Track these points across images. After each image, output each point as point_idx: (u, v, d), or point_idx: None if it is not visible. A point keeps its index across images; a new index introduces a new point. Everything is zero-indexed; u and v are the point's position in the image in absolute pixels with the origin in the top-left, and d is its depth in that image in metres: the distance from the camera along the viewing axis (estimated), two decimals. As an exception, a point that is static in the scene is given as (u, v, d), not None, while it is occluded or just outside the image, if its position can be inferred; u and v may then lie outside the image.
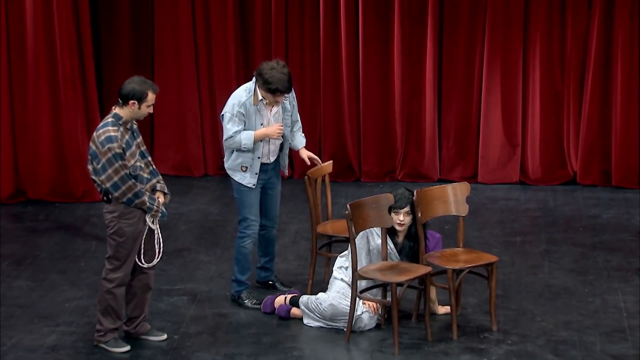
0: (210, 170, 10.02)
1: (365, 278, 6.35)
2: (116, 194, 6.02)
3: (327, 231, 7.05)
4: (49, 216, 8.91)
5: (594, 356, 6.16)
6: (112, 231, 6.10)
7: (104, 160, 5.97)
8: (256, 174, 6.73)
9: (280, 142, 6.85)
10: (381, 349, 6.27)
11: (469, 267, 6.43)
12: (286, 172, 7.06)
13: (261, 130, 6.68)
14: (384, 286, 6.43)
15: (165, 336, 6.42)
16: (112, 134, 5.97)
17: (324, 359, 6.18)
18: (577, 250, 7.96)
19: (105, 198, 6.10)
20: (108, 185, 6.00)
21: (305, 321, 6.55)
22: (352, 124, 9.81)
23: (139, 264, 6.20)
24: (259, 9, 9.70)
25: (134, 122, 6.14)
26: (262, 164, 6.78)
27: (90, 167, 6.08)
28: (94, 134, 6.04)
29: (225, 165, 6.85)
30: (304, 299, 6.58)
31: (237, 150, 6.72)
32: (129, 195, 6.02)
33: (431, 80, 9.63)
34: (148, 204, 6.08)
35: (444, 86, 9.71)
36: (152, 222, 6.16)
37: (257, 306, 6.79)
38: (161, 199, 6.20)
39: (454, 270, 6.39)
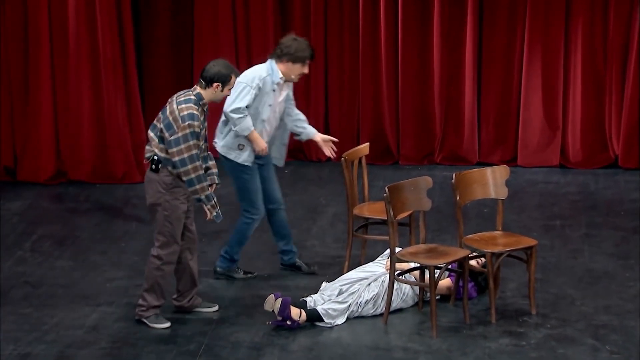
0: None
1: (403, 261, 6.35)
2: (180, 170, 6.02)
3: (363, 213, 7.05)
4: (90, 197, 9.00)
5: (634, 341, 6.10)
6: (155, 202, 6.10)
7: (180, 134, 5.98)
8: (254, 151, 6.71)
9: (272, 134, 6.82)
10: (419, 332, 6.26)
11: (507, 251, 6.40)
12: (281, 164, 6.96)
13: (256, 135, 6.67)
14: (421, 269, 6.43)
15: (217, 307, 6.50)
16: (195, 112, 6.02)
17: (362, 341, 6.18)
18: (617, 234, 7.89)
19: (153, 167, 6.12)
20: (176, 159, 6.00)
21: (331, 321, 6.32)
22: (391, 107, 9.79)
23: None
24: (298, -7, 9.70)
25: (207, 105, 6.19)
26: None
27: (152, 134, 6.09)
28: (174, 105, 6.04)
29: (220, 144, 6.78)
30: (318, 303, 6.41)
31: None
32: (192, 175, 6.03)
33: (470, 64, 9.57)
34: (206, 193, 6.09)
35: (483, 69, 9.65)
36: (209, 215, 6.15)
37: (251, 275, 7.00)
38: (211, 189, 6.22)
39: (492, 253, 6.36)
